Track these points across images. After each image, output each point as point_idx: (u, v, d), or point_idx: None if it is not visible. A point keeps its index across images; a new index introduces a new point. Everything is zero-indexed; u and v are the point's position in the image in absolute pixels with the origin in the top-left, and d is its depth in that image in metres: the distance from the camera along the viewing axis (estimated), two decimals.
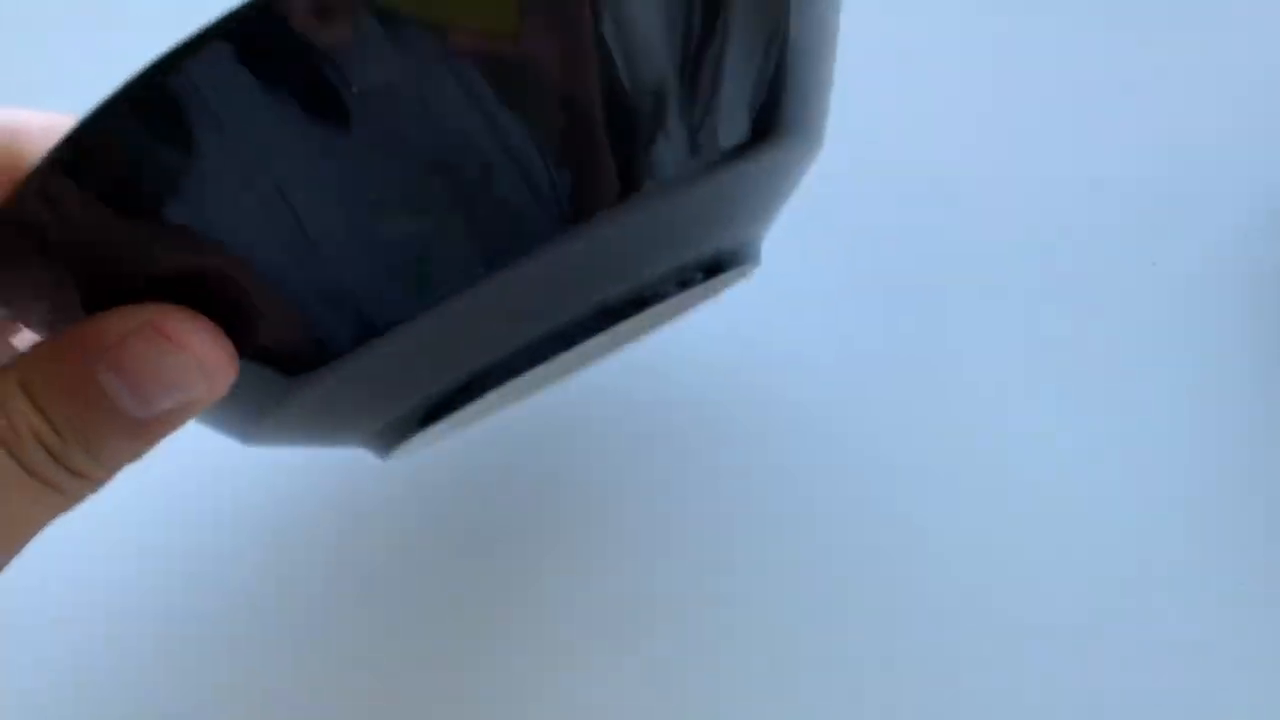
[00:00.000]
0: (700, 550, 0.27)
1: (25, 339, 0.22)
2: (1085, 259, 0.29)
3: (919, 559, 0.27)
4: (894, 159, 0.30)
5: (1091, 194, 0.29)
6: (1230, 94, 0.29)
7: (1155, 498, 0.27)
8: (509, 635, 0.27)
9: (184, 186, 0.15)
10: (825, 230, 0.30)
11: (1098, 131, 0.30)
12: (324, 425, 0.19)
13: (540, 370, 0.19)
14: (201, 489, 0.29)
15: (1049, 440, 0.27)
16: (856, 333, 0.29)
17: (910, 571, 0.27)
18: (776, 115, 0.15)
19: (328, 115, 0.14)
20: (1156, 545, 0.26)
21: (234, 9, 0.14)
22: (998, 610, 0.26)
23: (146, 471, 0.20)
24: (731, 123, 0.15)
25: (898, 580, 0.27)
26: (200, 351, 0.16)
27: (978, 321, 0.28)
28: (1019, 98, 0.30)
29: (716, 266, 0.18)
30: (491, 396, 0.19)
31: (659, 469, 0.28)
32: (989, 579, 0.27)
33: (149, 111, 0.14)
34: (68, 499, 0.18)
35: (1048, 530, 0.27)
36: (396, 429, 0.19)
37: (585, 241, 0.15)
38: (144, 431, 0.17)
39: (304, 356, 0.16)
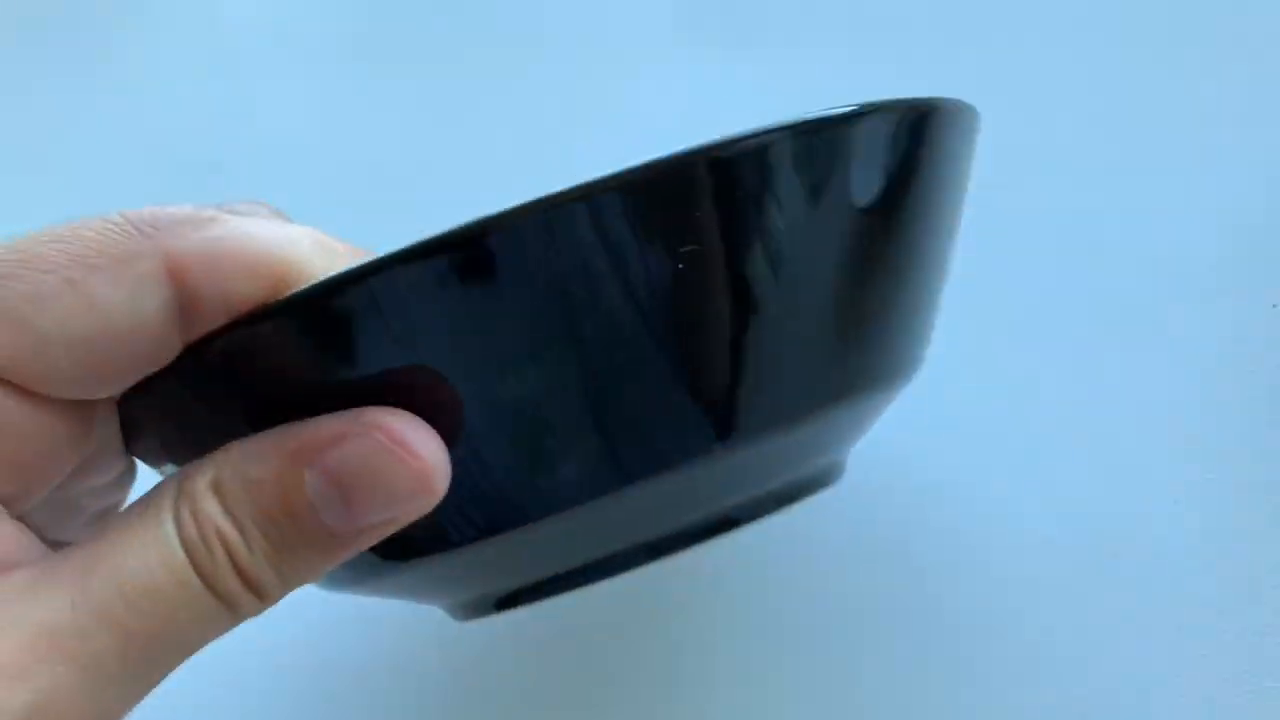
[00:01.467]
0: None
1: None
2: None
3: None
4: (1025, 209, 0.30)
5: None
6: None
7: None
8: None
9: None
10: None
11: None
12: (413, 594, 0.20)
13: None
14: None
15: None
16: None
17: None
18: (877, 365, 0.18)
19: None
20: None
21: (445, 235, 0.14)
22: None
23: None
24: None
25: None
26: (429, 461, 0.14)
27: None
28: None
29: (812, 486, 0.20)
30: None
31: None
32: None
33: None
34: (234, 619, 0.16)
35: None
36: (478, 608, 0.20)
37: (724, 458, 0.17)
38: (335, 547, 0.15)
39: (420, 544, 0.16)
